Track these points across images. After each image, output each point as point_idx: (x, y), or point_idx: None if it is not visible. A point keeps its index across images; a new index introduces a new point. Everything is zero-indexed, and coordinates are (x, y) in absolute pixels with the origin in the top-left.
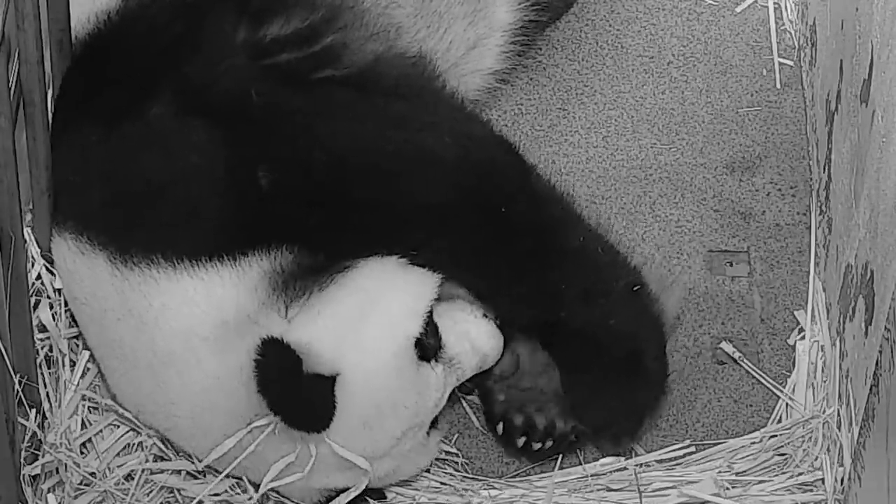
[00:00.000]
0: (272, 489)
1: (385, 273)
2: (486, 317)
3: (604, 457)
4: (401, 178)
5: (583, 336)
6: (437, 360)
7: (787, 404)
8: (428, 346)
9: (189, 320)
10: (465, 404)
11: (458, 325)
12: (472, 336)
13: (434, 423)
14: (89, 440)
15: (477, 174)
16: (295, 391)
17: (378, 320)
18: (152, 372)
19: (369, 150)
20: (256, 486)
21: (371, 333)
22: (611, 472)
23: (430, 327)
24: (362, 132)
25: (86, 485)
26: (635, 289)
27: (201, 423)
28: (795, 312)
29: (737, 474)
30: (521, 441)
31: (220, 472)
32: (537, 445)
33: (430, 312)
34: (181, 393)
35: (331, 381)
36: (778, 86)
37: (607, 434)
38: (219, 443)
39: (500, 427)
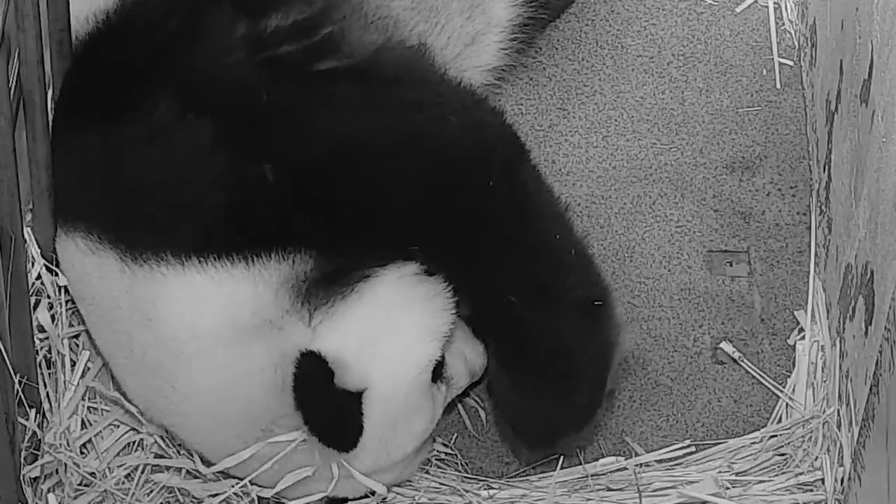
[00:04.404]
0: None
1: (405, 287)
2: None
3: (604, 457)
4: (399, 162)
5: (525, 337)
6: (441, 381)
7: (787, 404)
8: (440, 367)
9: (199, 317)
10: (460, 407)
11: (454, 345)
12: (469, 357)
13: None
14: (89, 440)
15: (473, 152)
16: (330, 409)
17: (403, 339)
18: (161, 368)
19: (368, 139)
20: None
21: (396, 352)
22: (611, 472)
23: None
24: (362, 121)
25: (86, 485)
26: (596, 303)
27: (212, 422)
28: (795, 312)
29: (737, 474)
30: None
31: (222, 473)
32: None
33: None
34: (191, 390)
35: (359, 397)
36: (778, 86)
37: (519, 436)
38: (228, 444)
39: None
